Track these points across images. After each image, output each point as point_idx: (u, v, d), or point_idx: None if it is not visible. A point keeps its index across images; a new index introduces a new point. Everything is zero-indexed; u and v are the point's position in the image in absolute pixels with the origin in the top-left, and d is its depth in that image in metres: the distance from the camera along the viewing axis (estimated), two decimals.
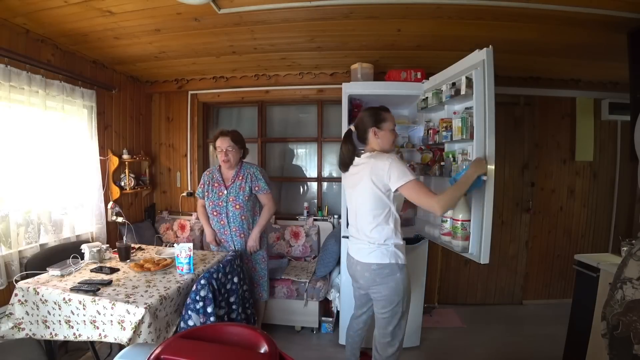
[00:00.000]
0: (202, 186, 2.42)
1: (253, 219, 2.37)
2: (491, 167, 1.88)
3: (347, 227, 1.82)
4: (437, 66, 2.93)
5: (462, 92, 1.90)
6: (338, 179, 3.41)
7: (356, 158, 1.73)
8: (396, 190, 1.55)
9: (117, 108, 3.07)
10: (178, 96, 3.47)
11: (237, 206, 2.29)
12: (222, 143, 2.26)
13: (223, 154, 2.26)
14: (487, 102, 1.94)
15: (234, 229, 2.33)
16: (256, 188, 2.32)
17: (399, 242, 1.64)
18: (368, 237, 1.64)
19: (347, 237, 1.85)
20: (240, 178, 2.32)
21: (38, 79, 2.17)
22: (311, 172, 3.54)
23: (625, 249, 1.77)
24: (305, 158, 3.60)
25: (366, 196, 1.62)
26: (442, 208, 1.50)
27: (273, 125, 3.58)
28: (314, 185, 3.53)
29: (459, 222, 1.74)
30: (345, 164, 1.77)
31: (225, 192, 2.31)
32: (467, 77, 1.89)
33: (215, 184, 2.35)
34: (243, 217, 2.32)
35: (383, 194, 1.59)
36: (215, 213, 2.34)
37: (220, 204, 2.31)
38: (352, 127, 1.76)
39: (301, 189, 3.63)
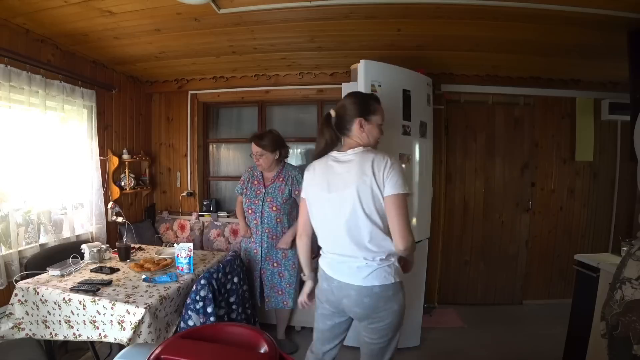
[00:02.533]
0: (241, 182, 2.40)
1: (289, 223, 2.31)
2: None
3: (320, 242, 1.43)
4: (437, 66, 2.96)
5: None
6: None
7: (335, 153, 1.38)
8: (386, 196, 1.25)
9: (117, 108, 3.07)
10: (178, 96, 3.47)
11: (274, 207, 2.25)
12: (252, 148, 2.24)
13: (255, 159, 2.24)
14: None
15: (266, 230, 2.28)
16: (296, 192, 2.25)
17: (395, 255, 1.32)
18: (365, 253, 1.29)
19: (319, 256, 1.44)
20: (281, 180, 2.27)
21: (38, 79, 2.17)
22: None
23: (625, 249, 1.77)
24: (305, 158, 3.60)
25: (363, 199, 1.26)
26: (411, 246, 1.25)
27: (273, 126, 3.57)
28: None
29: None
30: (322, 153, 1.42)
31: (264, 191, 2.27)
32: None
33: (255, 182, 2.32)
34: (278, 220, 2.27)
35: (382, 197, 1.26)
36: (250, 211, 2.31)
37: (256, 202, 2.27)
38: (332, 112, 1.40)
39: None
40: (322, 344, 1.51)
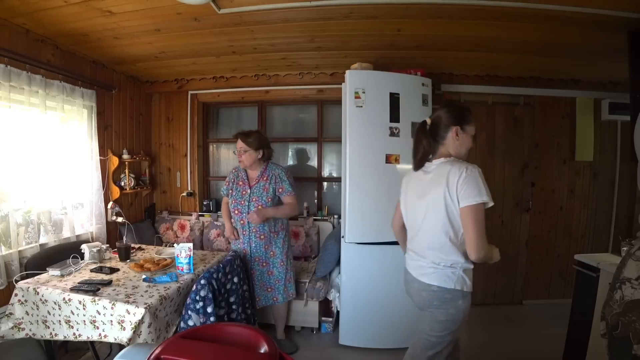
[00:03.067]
0: (227, 184, 2.40)
1: (275, 222, 2.32)
2: None
3: (407, 240, 1.63)
4: (437, 66, 2.96)
5: None
6: (338, 179, 3.41)
7: (427, 163, 1.47)
8: (461, 207, 1.30)
9: (117, 108, 3.07)
10: (178, 96, 3.47)
11: (260, 207, 2.25)
12: (238, 144, 2.26)
13: (238, 155, 2.27)
14: None
15: (253, 230, 2.28)
16: (280, 190, 2.28)
17: (468, 266, 1.39)
18: (433, 257, 1.41)
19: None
20: (265, 179, 2.28)
21: (38, 79, 2.17)
22: (309, 172, 3.54)
23: (625, 249, 1.77)
24: (306, 158, 3.60)
25: (436, 209, 1.36)
26: (484, 258, 1.31)
27: (273, 125, 3.58)
28: (313, 185, 3.53)
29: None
30: (422, 160, 1.47)
31: (249, 191, 2.28)
32: None
33: (240, 183, 2.33)
34: (264, 219, 2.27)
35: (455, 208, 1.33)
36: (237, 212, 2.31)
37: (242, 202, 2.28)
38: (428, 120, 1.47)
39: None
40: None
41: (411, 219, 1.53)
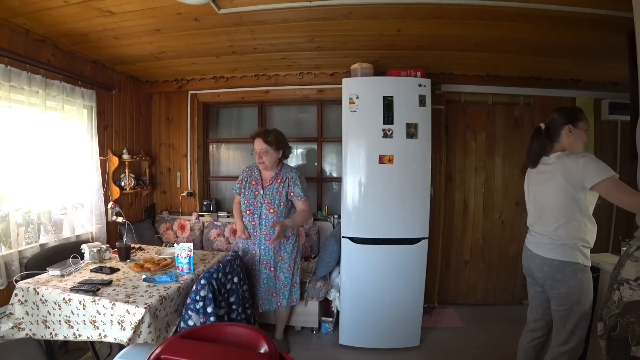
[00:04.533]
0: (239, 182, 2.34)
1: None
2: None
3: (528, 223, 1.82)
4: (437, 66, 2.96)
5: None
6: (338, 179, 3.42)
7: (544, 157, 1.71)
8: (592, 187, 1.48)
9: (117, 108, 3.07)
10: (178, 96, 3.47)
11: (272, 210, 2.20)
12: (256, 145, 2.19)
13: (257, 156, 2.20)
14: None
15: (264, 232, 2.23)
16: (292, 194, 2.24)
17: (586, 243, 1.58)
18: (553, 235, 1.61)
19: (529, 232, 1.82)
20: (279, 181, 2.24)
21: (38, 79, 2.18)
22: (309, 172, 3.54)
23: (624, 249, 1.77)
24: (306, 158, 3.60)
25: (556, 194, 1.60)
26: None
27: (273, 125, 3.57)
28: (313, 185, 3.53)
29: None
30: (535, 159, 1.74)
31: (262, 192, 2.23)
32: None
33: (253, 182, 2.27)
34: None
35: (576, 191, 1.53)
36: (248, 212, 2.25)
37: (255, 203, 2.23)
38: (542, 125, 1.75)
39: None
40: (530, 312, 1.86)
41: (533, 205, 1.77)
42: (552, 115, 1.71)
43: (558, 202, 1.59)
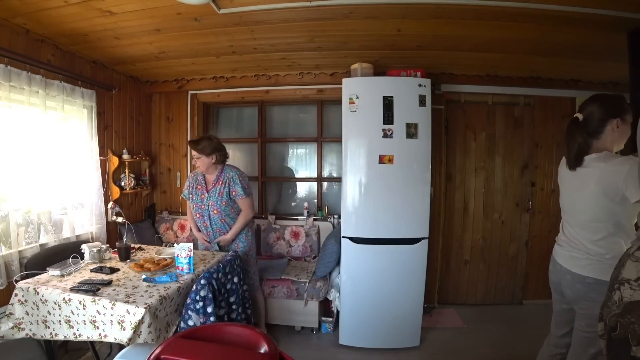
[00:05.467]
0: (187, 188, 2.47)
1: (235, 221, 2.38)
2: None
3: (561, 229, 1.60)
4: (437, 66, 2.96)
5: None
6: (338, 179, 3.42)
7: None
8: (638, 201, 1.25)
9: (117, 108, 3.07)
10: (178, 96, 3.47)
11: (216, 211, 2.33)
12: (191, 152, 2.35)
13: (194, 161, 2.34)
14: None
15: (217, 230, 2.38)
16: (233, 193, 2.34)
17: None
18: (588, 249, 1.40)
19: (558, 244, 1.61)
20: (220, 183, 2.35)
21: (38, 79, 2.17)
22: (309, 172, 3.54)
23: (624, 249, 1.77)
24: (305, 158, 3.60)
25: (592, 205, 1.37)
26: None
27: (273, 125, 3.58)
28: (313, 185, 3.53)
29: None
30: (579, 159, 1.43)
31: (206, 195, 2.34)
32: None
33: (199, 187, 2.39)
34: (222, 221, 2.36)
35: (615, 204, 1.32)
36: (198, 215, 2.39)
37: (202, 207, 2.36)
38: (580, 116, 1.42)
39: (297, 189, 3.64)
40: (556, 327, 1.65)
41: (569, 211, 1.53)
42: (590, 107, 1.42)
43: (594, 215, 1.38)
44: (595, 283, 1.36)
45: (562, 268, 1.51)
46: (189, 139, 2.43)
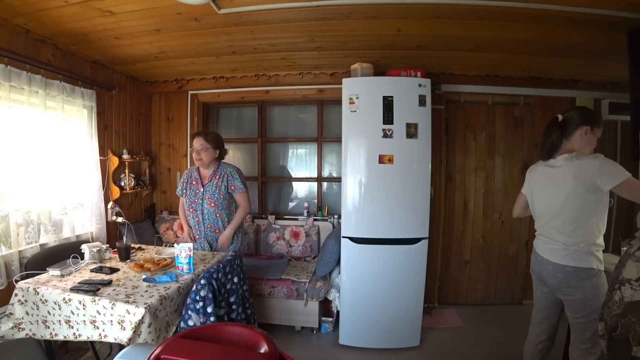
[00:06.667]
0: (181, 184, 2.47)
1: (229, 217, 2.40)
2: None
3: (536, 226, 1.75)
4: (437, 66, 2.95)
5: None
6: (338, 179, 3.41)
7: (552, 161, 1.63)
8: (613, 189, 1.43)
9: (117, 108, 3.07)
10: (178, 96, 3.47)
11: (212, 204, 2.34)
12: (196, 142, 2.34)
13: (196, 153, 2.34)
14: None
15: (208, 226, 2.38)
16: (232, 187, 2.37)
17: (599, 246, 1.53)
18: (565, 239, 1.55)
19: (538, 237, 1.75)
20: (217, 177, 2.37)
21: (38, 79, 2.17)
22: (309, 172, 3.54)
23: (624, 249, 1.77)
24: (305, 158, 3.60)
25: (568, 200, 1.53)
26: None
27: (273, 125, 3.58)
28: (313, 185, 3.53)
29: None
30: (551, 152, 1.63)
31: (202, 189, 2.35)
32: None
33: (193, 182, 2.40)
34: (217, 215, 2.36)
35: (589, 194, 1.48)
36: (191, 210, 2.40)
37: (196, 201, 2.36)
38: (560, 116, 1.63)
39: (293, 189, 3.64)
40: (536, 312, 1.83)
41: (542, 208, 1.67)
42: (570, 112, 1.62)
43: (570, 207, 1.53)
44: (574, 270, 1.52)
45: (543, 259, 1.65)
46: (193, 133, 2.44)
